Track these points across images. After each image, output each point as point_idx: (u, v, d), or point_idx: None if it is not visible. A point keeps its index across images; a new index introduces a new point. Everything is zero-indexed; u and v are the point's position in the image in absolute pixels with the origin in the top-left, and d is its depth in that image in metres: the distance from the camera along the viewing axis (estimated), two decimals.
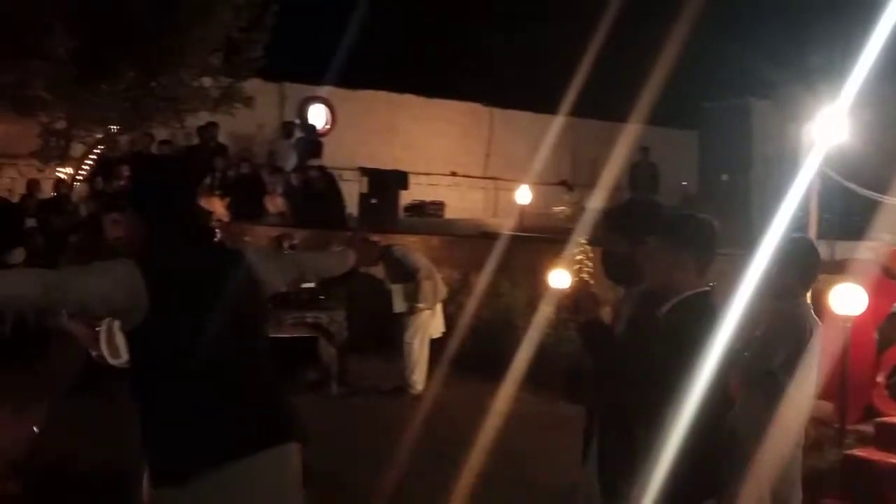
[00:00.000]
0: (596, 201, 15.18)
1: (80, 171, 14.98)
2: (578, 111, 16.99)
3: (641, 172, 18.44)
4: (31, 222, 12.61)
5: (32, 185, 14.04)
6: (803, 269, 4.53)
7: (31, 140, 14.97)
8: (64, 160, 15.11)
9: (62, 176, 14.71)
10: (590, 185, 17.78)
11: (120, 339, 4.60)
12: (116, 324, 4.54)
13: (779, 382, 4.34)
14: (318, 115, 18.45)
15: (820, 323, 4.54)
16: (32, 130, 14.90)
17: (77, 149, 15.24)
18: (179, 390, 3.32)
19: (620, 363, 3.52)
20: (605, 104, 18.46)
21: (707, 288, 3.50)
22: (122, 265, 3.29)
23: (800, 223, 7.79)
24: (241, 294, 3.53)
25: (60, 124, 14.92)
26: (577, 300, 3.64)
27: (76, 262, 5.00)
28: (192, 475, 3.27)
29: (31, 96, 14.41)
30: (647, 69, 12.69)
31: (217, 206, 14.15)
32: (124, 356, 4.60)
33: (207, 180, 14.93)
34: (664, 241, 3.49)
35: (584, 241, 8.76)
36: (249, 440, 3.38)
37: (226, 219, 13.61)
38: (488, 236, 12.69)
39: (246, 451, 3.37)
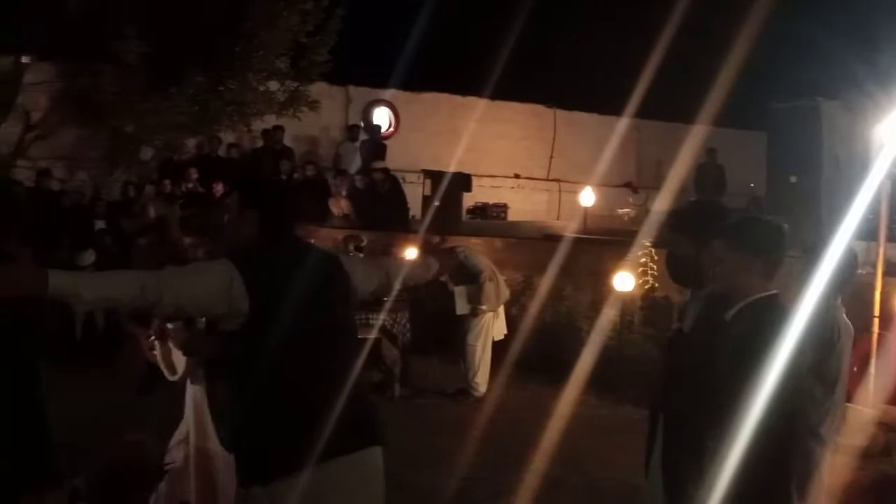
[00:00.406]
0: (661, 203, 15.04)
1: (148, 175, 15.25)
2: (643, 112, 16.85)
3: (708, 174, 18.20)
4: (100, 224, 12.85)
5: (101, 187, 14.32)
6: (837, 274, 4.43)
7: (101, 143, 15.29)
8: (133, 163, 15.40)
9: (131, 179, 14.99)
10: (655, 187, 17.61)
11: (177, 357, 4.67)
12: (172, 342, 4.65)
13: (805, 385, 4.25)
14: (382, 118, 18.57)
15: (851, 329, 4.45)
16: (103, 134, 15.21)
17: (146, 152, 15.52)
18: (275, 392, 3.36)
19: (688, 367, 3.47)
20: (670, 105, 18.26)
21: (775, 291, 3.43)
22: (221, 267, 3.33)
23: (869, 226, 7.64)
24: (337, 298, 3.60)
25: (130, 128, 15.20)
26: (650, 312, 3.63)
27: (145, 263, 5.10)
28: (287, 474, 3.32)
29: (102, 101, 14.72)
30: (714, 70, 12.54)
31: None
32: (181, 372, 4.68)
33: None
34: (730, 245, 3.42)
35: (648, 244, 8.70)
36: (342, 441, 3.41)
37: None
38: (551, 238, 12.64)
39: (339, 451, 3.41)
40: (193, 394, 4.69)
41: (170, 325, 4.67)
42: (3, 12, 12.78)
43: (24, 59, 14.21)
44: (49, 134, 14.76)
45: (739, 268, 3.39)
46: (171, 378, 4.73)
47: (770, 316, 3.34)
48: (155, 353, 4.76)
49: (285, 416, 3.36)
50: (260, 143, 16.39)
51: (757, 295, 3.38)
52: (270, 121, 16.24)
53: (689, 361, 3.48)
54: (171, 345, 4.68)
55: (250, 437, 3.41)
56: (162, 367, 4.77)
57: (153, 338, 4.72)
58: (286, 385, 3.37)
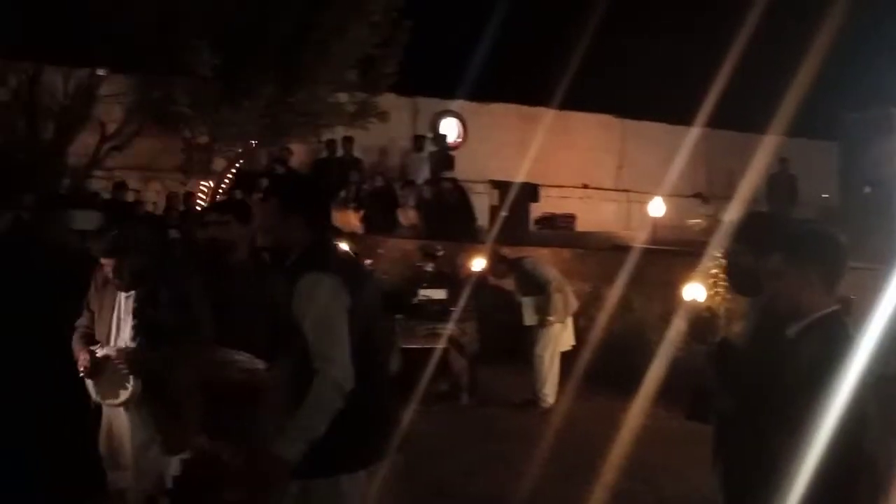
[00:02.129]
0: (732, 214, 14.83)
1: (220, 185, 15.49)
2: (713, 122, 16.66)
3: (779, 184, 17.93)
4: (173, 234, 13.05)
5: (173, 197, 14.58)
6: None
7: (174, 154, 15.57)
8: (206, 174, 15.65)
9: (203, 188, 15.23)
10: (726, 197, 17.38)
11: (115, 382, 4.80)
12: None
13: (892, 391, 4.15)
14: (450, 129, 18.63)
15: None
16: (176, 145, 15.49)
17: (218, 163, 15.76)
18: (358, 389, 3.52)
19: (747, 383, 3.42)
20: (740, 115, 18.04)
21: (836, 308, 3.32)
22: (330, 284, 3.52)
23: None
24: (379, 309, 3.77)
25: (203, 139, 15.45)
26: (695, 324, 3.59)
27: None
28: (355, 469, 3.56)
29: (176, 112, 15.00)
30: (785, 78, 12.36)
31: (352, 219, 14.50)
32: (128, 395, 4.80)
33: (343, 194, 15.25)
34: (789, 258, 3.32)
35: (719, 255, 8.59)
36: (388, 445, 3.68)
37: (360, 231, 13.92)
38: (620, 249, 12.55)
39: (386, 453, 3.67)
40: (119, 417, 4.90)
41: (101, 352, 4.82)
42: (80, 26, 13.10)
43: (100, 72, 14.52)
44: (124, 145, 15.06)
45: (799, 283, 3.29)
46: (112, 403, 4.86)
47: (835, 334, 3.23)
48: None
49: (358, 414, 3.51)
50: (323, 154, 16.59)
51: (820, 312, 3.27)
52: (340, 132, 16.40)
53: (750, 375, 3.39)
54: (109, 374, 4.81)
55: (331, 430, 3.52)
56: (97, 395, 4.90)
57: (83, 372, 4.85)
58: (362, 383, 3.53)
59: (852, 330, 3.27)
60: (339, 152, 16.61)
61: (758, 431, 3.33)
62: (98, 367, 4.76)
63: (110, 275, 4.80)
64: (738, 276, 3.84)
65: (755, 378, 3.35)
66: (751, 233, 3.80)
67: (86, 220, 7.27)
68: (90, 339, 4.92)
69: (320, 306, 3.50)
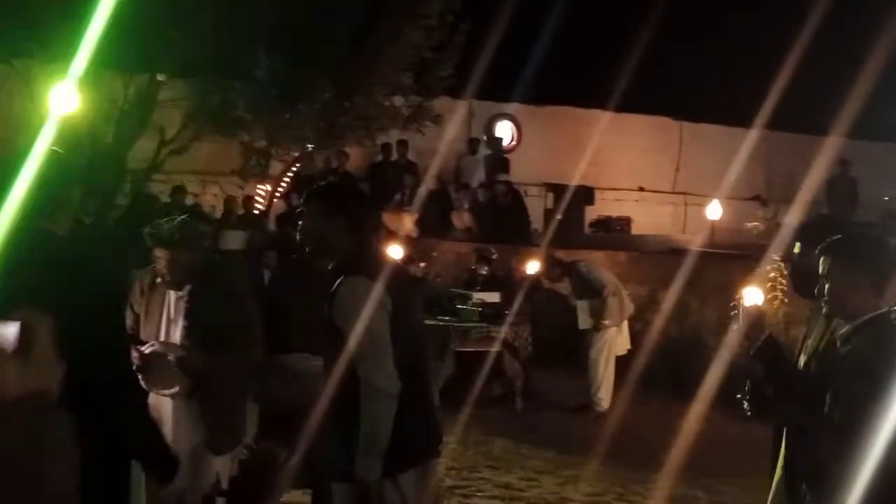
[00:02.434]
0: (792, 217, 14.62)
1: (278, 189, 15.62)
2: (772, 124, 16.44)
3: (840, 186, 17.64)
4: None
5: (230, 201, 14.73)
6: None
7: (232, 158, 15.74)
8: (263, 178, 15.80)
9: (261, 192, 15.38)
10: (785, 199, 17.15)
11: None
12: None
13: None
14: (504, 132, 18.61)
15: None
16: (234, 149, 15.66)
17: (275, 166, 15.90)
18: (402, 391, 3.55)
19: (802, 389, 3.39)
20: (801, 116, 17.78)
21: (887, 309, 3.29)
22: (371, 289, 3.52)
23: None
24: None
25: (260, 143, 15.59)
26: (747, 324, 3.57)
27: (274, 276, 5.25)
28: (405, 468, 3.58)
29: (234, 117, 15.15)
30: (846, 80, 12.15)
31: (406, 222, 14.54)
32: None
33: (397, 197, 15.30)
34: (838, 262, 3.31)
35: (778, 258, 8.46)
36: (435, 444, 3.75)
37: (414, 234, 13.95)
38: (677, 252, 12.43)
39: (433, 453, 3.74)
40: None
41: (149, 349, 4.70)
42: (139, 33, 13.29)
43: (159, 77, 14.72)
44: (183, 149, 15.23)
45: (848, 285, 3.27)
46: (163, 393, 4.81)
47: (885, 335, 3.22)
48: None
49: (401, 417, 3.54)
50: (379, 158, 16.67)
51: (870, 314, 3.25)
52: (395, 135, 16.46)
53: (805, 383, 3.38)
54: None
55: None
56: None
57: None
58: (411, 384, 3.57)
59: None
60: (394, 156, 16.67)
61: (806, 436, 3.32)
62: (147, 362, 4.74)
63: (163, 269, 4.77)
64: (801, 278, 3.81)
65: (810, 386, 3.32)
66: (816, 235, 3.74)
67: (235, 240, 7.23)
68: (136, 341, 4.90)
69: (360, 311, 3.52)
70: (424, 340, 3.95)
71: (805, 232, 3.94)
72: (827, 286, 3.33)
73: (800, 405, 3.39)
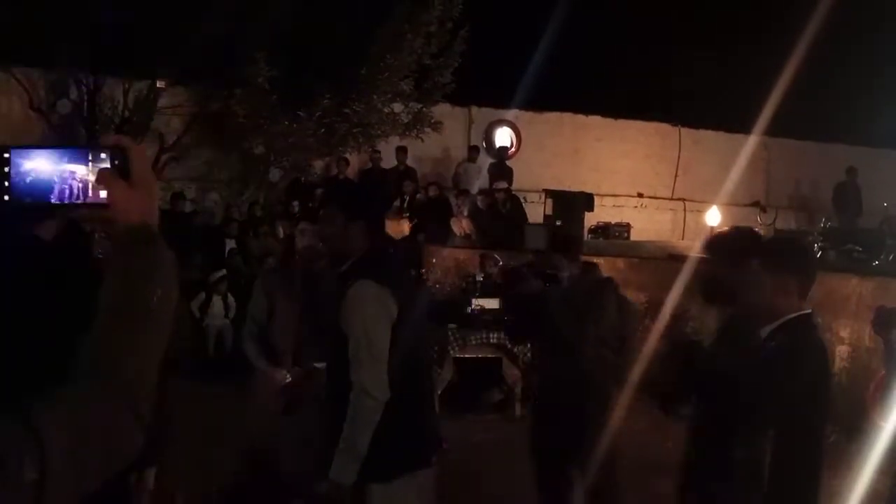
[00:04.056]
0: (791, 223, 14.65)
1: (277, 195, 15.63)
2: (773, 130, 16.45)
3: (847, 194, 17.62)
4: (231, 244, 13.19)
5: (231, 208, 14.75)
6: None
7: (232, 165, 15.75)
8: (262, 185, 15.81)
9: (258, 200, 15.39)
10: (784, 206, 17.18)
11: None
12: None
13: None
14: (504, 138, 18.61)
15: None
16: (234, 156, 15.68)
17: (274, 173, 15.91)
18: (396, 398, 3.57)
19: (718, 382, 3.53)
20: (800, 123, 17.79)
21: (809, 311, 3.51)
22: (378, 295, 3.55)
23: None
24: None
25: (259, 150, 15.62)
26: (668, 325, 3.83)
27: (274, 283, 5.23)
28: (405, 472, 3.63)
29: (233, 123, 15.18)
30: (845, 87, 12.17)
31: (405, 229, 14.53)
32: None
33: (397, 203, 15.30)
34: (766, 265, 3.49)
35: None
36: (431, 453, 3.76)
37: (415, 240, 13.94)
38: (676, 259, 12.41)
39: (429, 462, 3.74)
40: None
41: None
42: (140, 39, 13.32)
43: (159, 84, 14.76)
44: (182, 156, 15.27)
45: (775, 287, 3.44)
46: None
47: (805, 334, 3.44)
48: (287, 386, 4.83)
49: (399, 423, 3.57)
50: (368, 165, 16.67)
51: (793, 314, 3.44)
52: (394, 142, 16.48)
53: (721, 377, 3.52)
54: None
55: (378, 438, 3.57)
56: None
57: (287, 381, 4.79)
58: (403, 393, 3.59)
59: (820, 330, 3.57)
60: (393, 163, 16.67)
61: (727, 426, 3.47)
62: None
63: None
64: (710, 286, 4.08)
65: (725, 378, 3.48)
66: (726, 245, 4.07)
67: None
68: None
69: (366, 316, 3.54)
70: (427, 349, 3.97)
71: (717, 243, 4.23)
72: (754, 288, 3.50)
73: (719, 404, 3.51)
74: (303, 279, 4.99)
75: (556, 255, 5.44)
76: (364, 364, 3.50)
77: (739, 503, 3.40)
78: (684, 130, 20.67)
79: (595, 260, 11.67)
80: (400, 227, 14.30)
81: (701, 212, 16.60)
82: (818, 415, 3.44)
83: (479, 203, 15.20)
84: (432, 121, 16.49)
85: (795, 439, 3.34)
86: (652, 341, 4.19)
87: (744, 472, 3.35)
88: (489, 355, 9.50)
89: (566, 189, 16.05)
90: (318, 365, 4.61)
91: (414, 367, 3.67)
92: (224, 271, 11.82)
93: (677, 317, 3.88)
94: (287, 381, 4.78)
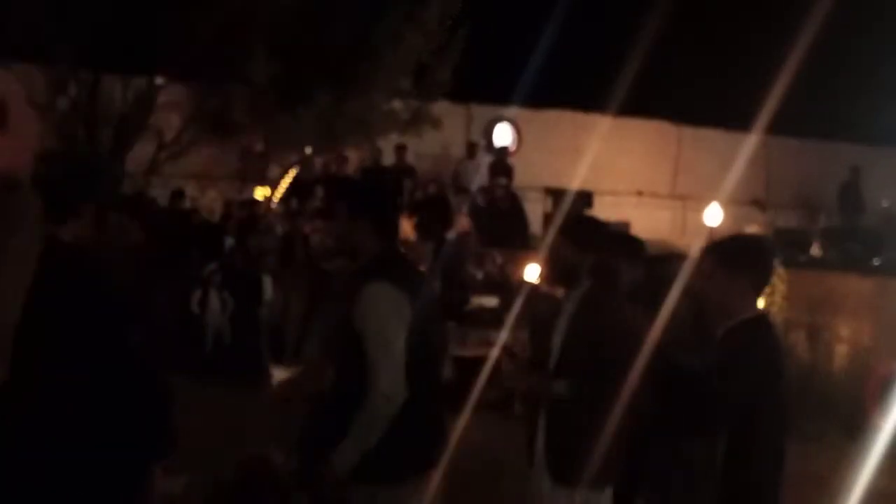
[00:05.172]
0: (791, 222, 14.63)
1: (276, 192, 15.61)
2: (773, 128, 16.43)
3: (850, 192, 17.61)
4: (230, 242, 13.15)
5: (230, 205, 14.73)
6: None
7: (231, 162, 15.73)
8: (261, 181, 15.78)
9: (258, 197, 15.37)
10: (784, 205, 17.16)
11: None
12: None
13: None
14: (503, 136, 18.58)
15: None
16: (233, 153, 15.65)
17: (274, 170, 15.88)
18: (409, 400, 3.55)
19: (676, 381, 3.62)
20: (800, 120, 17.77)
21: (763, 312, 3.58)
22: (394, 297, 3.53)
23: None
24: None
25: (259, 147, 15.60)
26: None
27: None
28: (415, 474, 3.65)
29: (232, 120, 15.15)
30: (845, 85, 12.15)
31: (405, 227, 14.50)
32: None
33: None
34: (719, 262, 3.53)
35: (776, 263, 8.43)
36: (438, 455, 3.76)
37: (413, 238, 13.90)
38: (678, 258, 12.38)
39: (435, 464, 3.75)
40: None
41: None
42: (139, 35, 13.29)
43: (158, 81, 14.73)
44: (181, 153, 15.25)
45: (730, 287, 3.48)
46: None
47: (760, 335, 3.48)
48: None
49: (410, 423, 3.55)
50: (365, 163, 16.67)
51: (747, 315, 3.49)
52: (393, 139, 16.45)
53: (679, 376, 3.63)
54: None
55: (388, 437, 3.55)
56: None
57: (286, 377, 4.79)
58: (415, 393, 3.57)
59: (775, 331, 3.61)
60: (392, 161, 16.65)
61: (683, 426, 3.58)
62: None
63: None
64: (559, 267, 4.31)
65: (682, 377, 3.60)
66: (575, 230, 4.29)
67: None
68: None
69: (381, 317, 3.51)
70: (439, 353, 3.96)
71: (567, 227, 4.42)
72: (707, 284, 3.58)
73: (675, 403, 3.57)
74: (312, 277, 5.01)
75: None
76: (380, 364, 3.49)
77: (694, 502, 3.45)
78: (683, 128, 20.66)
79: None
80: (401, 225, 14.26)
81: (700, 210, 16.53)
82: (771, 416, 3.42)
83: (478, 201, 15.18)
84: (432, 118, 16.48)
85: (747, 440, 3.34)
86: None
87: (699, 471, 3.40)
88: (488, 353, 9.47)
89: (566, 187, 16.03)
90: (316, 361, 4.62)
91: (425, 370, 3.66)
92: (216, 264, 11.76)
93: (529, 293, 4.13)
94: (285, 377, 4.78)
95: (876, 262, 12.09)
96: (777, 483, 3.49)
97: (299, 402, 4.76)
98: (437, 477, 3.80)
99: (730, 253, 3.60)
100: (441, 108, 16.87)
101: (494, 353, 9.55)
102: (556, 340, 4.26)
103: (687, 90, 20.29)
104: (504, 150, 17.91)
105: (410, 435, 3.56)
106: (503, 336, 9.50)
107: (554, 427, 4.14)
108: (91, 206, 2.78)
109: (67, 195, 2.94)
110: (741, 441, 3.34)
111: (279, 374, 4.89)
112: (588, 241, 4.17)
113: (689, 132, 20.68)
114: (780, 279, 8.74)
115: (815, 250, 13.18)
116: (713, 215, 15.22)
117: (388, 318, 3.51)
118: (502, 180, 15.70)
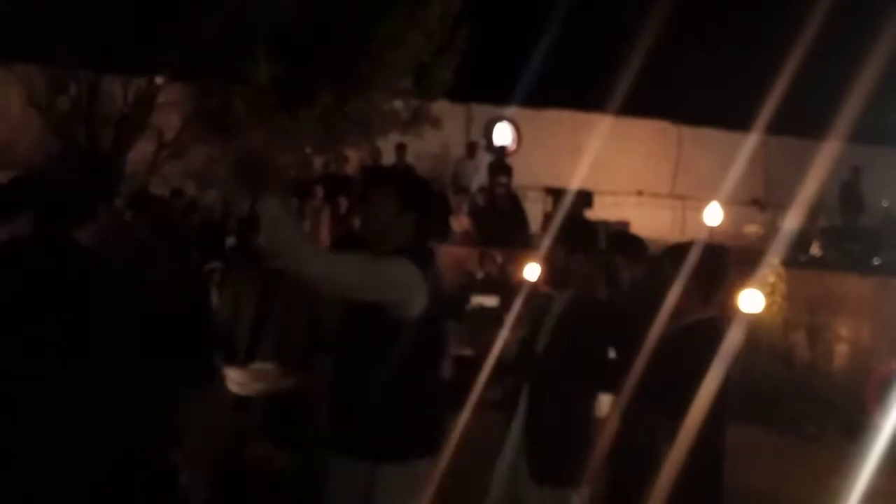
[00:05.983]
0: (791, 222, 14.63)
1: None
2: (773, 128, 16.44)
3: (852, 193, 17.61)
4: (230, 241, 13.15)
5: (231, 204, 14.72)
6: None
7: (231, 162, 15.71)
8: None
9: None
10: (784, 204, 17.13)
11: None
12: None
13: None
14: (503, 135, 18.58)
15: None
16: (233, 153, 15.64)
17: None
18: (423, 381, 3.68)
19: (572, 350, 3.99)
20: (800, 120, 17.77)
21: (713, 314, 3.70)
22: (404, 264, 3.53)
23: None
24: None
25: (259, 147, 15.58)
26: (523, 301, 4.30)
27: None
28: (418, 455, 3.68)
29: (232, 120, 15.15)
30: (845, 84, 12.14)
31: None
32: None
33: None
34: (674, 267, 3.65)
35: (776, 263, 8.46)
36: (432, 445, 3.80)
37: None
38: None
39: (427, 452, 3.78)
40: None
41: None
42: (139, 35, 13.29)
43: (158, 80, 14.73)
44: (181, 152, 15.24)
45: (681, 289, 3.63)
46: None
47: (705, 337, 3.60)
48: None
49: (426, 406, 3.70)
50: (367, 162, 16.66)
51: (696, 317, 3.65)
52: (394, 139, 16.45)
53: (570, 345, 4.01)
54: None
55: (391, 420, 3.60)
56: None
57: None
58: (427, 375, 3.73)
59: (723, 334, 3.69)
60: (392, 160, 16.65)
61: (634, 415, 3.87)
62: None
63: None
64: (550, 269, 4.43)
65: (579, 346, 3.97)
66: (563, 232, 4.40)
67: None
68: None
69: (391, 265, 3.50)
70: (441, 348, 4.03)
71: (562, 232, 4.46)
72: (664, 287, 3.68)
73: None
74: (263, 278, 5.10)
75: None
76: (359, 261, 3.53)
77: (644, 487, 3.57)
78: (683, 128, 20.67)
79: None
80: None
81: (700, 210, 16.58)
82: (710, 416, 3.51)
83: (478, 200, 15.19)
84: (432, 118, 16.47)
85: (691, 435, 3.47)
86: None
87: (651, 460, 3.57)
88: (488, 353, 9.46)
89: (566, 186, 16.04)
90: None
91: (428, 361, 3.73)
92: (217, 263, 11.75)
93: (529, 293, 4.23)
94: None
95: (876, 261, 12.11)
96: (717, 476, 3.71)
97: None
98: (435, 464, 3.83)
99: (679, 256, 3.72)
100: (441, 107, 16.87)
101: (494, 352, 9.61)
102: (542, 340, 4.45)
103: (687, 90, 20.29)
104: (504, 149, 17.92)
105: (411, 418, 3.62)
106: (503, 336, 9.55)
107: (534, 426, 4.35)
108: (107, 207, 2.80)
109: (88, 196, 2.94)
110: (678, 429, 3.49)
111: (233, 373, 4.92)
112: (577, 242, 4.27)
113: (689, 132, 20.69)
114: (780, 279, 8.74)
115: (815, 250, 13.19)
116: (713, 215, 15.26)
117: (397, 273, 3.50)
118: (502, 180, 15.71)
